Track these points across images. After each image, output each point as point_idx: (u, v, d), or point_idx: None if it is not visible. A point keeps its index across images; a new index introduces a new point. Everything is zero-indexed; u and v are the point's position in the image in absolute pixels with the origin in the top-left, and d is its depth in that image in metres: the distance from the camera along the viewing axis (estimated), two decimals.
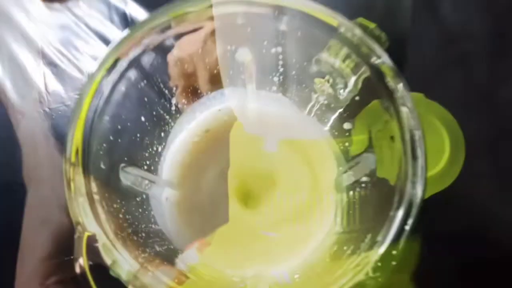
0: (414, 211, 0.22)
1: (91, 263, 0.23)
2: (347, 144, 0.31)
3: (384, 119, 0.25)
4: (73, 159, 0.25)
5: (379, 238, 0.23)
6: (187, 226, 0.32)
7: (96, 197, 0.25)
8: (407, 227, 0.22)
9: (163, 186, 0.33)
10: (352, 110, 0.30)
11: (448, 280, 0.34)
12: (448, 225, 0.33)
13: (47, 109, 0.41)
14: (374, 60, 0.24)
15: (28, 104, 0.41)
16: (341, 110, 0.31)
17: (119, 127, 0.28)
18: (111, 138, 0.27)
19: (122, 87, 0.27)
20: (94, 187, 0.25)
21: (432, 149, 0.28)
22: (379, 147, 0.27)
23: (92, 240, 0.24)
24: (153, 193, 0.32)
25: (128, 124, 0.29)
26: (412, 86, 0.25)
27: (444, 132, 0.33)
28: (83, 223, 0.24)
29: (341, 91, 0.28)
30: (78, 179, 0.24)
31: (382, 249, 0.23)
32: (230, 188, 0.33)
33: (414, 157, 0.23)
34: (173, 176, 0.33)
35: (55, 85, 0.42)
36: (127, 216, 0.27)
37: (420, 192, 0.23)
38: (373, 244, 0.23)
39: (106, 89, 0.26)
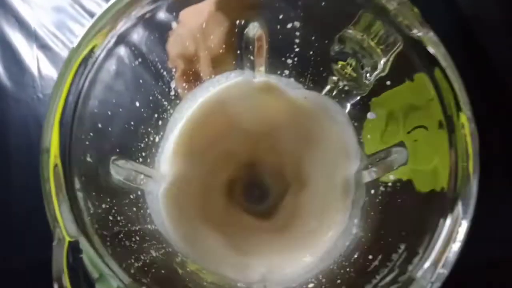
0: (466, 220, 0.17)
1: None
2: (369, 136, 0.26)
3: (426, 98, 0.19)
4: (51, 150, 0.19)
5: (419, 249, 0.18)
6: (188, 224, 0.28)
7: (80, 196, 0.20)
8: (459, 238, 0.17)
9: (161, 180, 0.28)
10: (376, 96, 0.24)
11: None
12: None
13: (40, 95, 0.38)
14: (416, 33, 0.19)
15: (20, 89, 0.38)
16: (363, 96, 0.25)
17: (109, 113, 0.23)
18: (100, 126, 0.22)
19: (111, 67, 0.22)
20: (77, 183, 0.20)
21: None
22: (412, 139, 0.22)
23: (74, 248, 0.18)
24: (150, 189, 0.27)
25: (120, 110, 0.24)
26: None
27: None
28: (63, 227, 0.18)
29: (367, 74, 0.23)
30: (57, 174, 0.19)
31: (427, 264, 0.17)
32: (235, 182, 0.29)
33: (467, 148, 0.18)
34: (173, 169, 0.28)
35: (48, 70, 0.38)
36: (119, 218, 0.22)
37: (474, 195, 0.17)
38: (411, 257, 0.18)
39: (91, 68, 0.21)
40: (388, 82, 0.23)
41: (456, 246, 0.17)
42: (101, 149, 0.23)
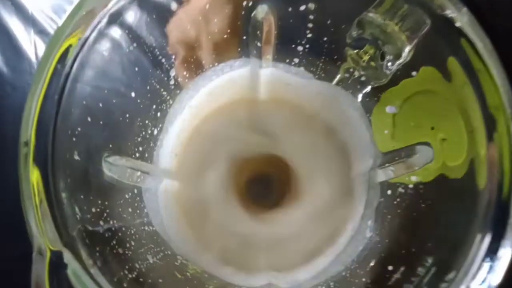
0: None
1: None
2: (386, 132, 0.23)
3: (457, 86, 0.16)
4: (31, 147, 0.16)
5: (453, 266, 0.15)
6: (190, 223, 0.25)
7: (65, 200, 0.17)
8: (504, 255, 0.14)
9: (161, 176, 0.25)
10: (394, 85, 0.21)
11: None
12: None
13: None
14: (449, 13, 0.16)
15: (17, 76, 0.35)
16: (380, 86, 0.22)
17: (100, 105, 0.20)
18: (89, 119, 0.19)
19: (103, 51, 0.19)
20: (62, 185, 0.17)
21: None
22: (439, 134, 0.19)
23: (58, 261, 0.15)
24: (148, 186, 0.25)
25: (114, 101, 0.21)
26: None
27: None
28: (45, 237, 0.15)
29: (389, 63, 0.20)
30: (37, 175, 0.16)
31: (463, 286, 0.14)
32: (241, 178, 0.26)
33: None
34: (173, 164, 0.26)
35: None
36: (112, 222, 0.19)
37: None
38: (443, 274, 0.15)
39: (80, 52, 0.17)
40: (412, 72, 0.19)
41: (500, 266, 0.14)
42: (91, 145, 0.20)
